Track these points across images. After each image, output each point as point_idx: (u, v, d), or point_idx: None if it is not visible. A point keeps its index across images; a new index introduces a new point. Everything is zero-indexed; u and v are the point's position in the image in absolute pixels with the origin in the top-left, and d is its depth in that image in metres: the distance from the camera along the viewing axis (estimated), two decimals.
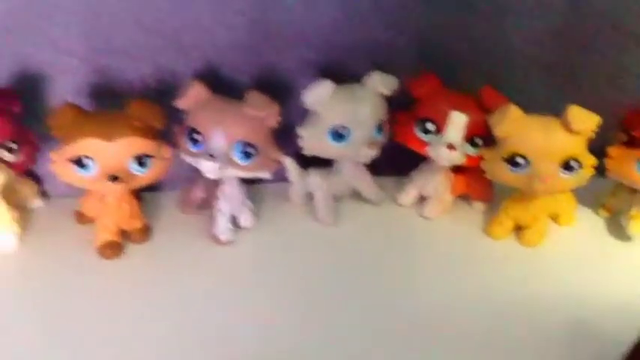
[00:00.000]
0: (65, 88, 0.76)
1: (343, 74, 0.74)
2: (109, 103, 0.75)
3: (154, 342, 0.61)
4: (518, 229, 0.77)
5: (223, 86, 0.74)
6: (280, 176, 0.80)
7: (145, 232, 0.75)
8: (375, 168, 0.80)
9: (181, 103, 0.71)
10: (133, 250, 0.74)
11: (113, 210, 0.72)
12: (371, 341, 0.62)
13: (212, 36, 0.77)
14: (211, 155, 0.68)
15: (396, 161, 0.80)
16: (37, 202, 0.80)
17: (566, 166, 0.69)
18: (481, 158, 0.74)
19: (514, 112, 0.69)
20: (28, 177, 0.79)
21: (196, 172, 0.77)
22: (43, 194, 0.81)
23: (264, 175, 0.72)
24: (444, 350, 0.62)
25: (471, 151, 0.74)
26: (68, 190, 0.77)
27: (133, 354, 0.60)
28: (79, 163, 0.66)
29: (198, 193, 0.79)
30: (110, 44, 0.76)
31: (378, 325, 0.64)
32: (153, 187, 0.77)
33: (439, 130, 0.74)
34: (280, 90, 0.75)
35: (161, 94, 0.75)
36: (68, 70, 0.76)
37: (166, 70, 0.78)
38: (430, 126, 0.74)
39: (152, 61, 0.77)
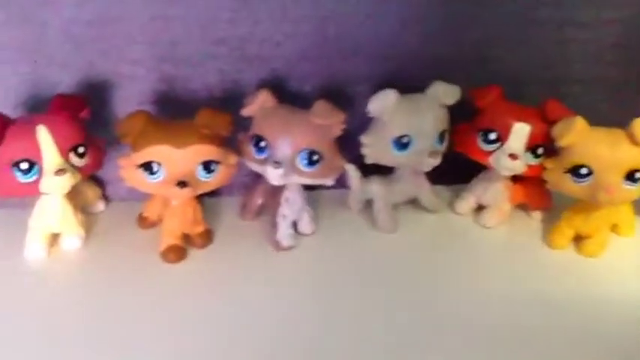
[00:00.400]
0: (131, 96, 0.77)
1: (405, 84, 0.74)
2: (173, 111, 0.76)
3: (213, 345, 0.62)
4: (578, 239, 0.77)
5: (287, 95, 0.75)
6: (338, 183, 0.80)
7: (207, 237, 0.76)
8: (434, 177, 0.80)
9: (248, 111, 0.72)
10: (195, 254, 0.74)
11: (178, 215, 0.73)
12: (428, 350, 0.62)
13: (276, 46, 0.78)
14: (276, 162, 0.69)
15: (454, 170, 0.80)
16: (99, 206, 0.81)
17: (630, 178, 0.69)
18: (542, 168, 0.74)
19: (579, 123, 0.70)
20: (91, 181, 0.80)
21: (255, 179, 0.79)
22: (105, 198, 0.82)
23: (327, 181, 0.73)
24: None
25: (532, 160, 0.75)
26: (128, 195, 0.79)
27: (191, 356, 0.61)
28: (147, 168, 0.67)
29: (258, 200, 0.80)
30: (176, 53, 0.77)
31: (435, 334, 0.64)
32: (211, 193, 0.78)
33: (501, 140, 0.75)
34: (342, 99, 0.76)
35: (225, 103, 0.76)
36: (134, 79, 0.78)
37: (231, 79, 0.79)
38: (492, 136, 0.75)
39: (217, 71, 0.78)
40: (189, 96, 0.79)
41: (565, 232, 0.77)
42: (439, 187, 0.84)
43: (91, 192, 0.79)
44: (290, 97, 0.75)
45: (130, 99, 0.77)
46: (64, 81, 0.76)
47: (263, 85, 0.77)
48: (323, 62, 0.80)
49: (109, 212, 0.81)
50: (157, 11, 0.75)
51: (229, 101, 0.76)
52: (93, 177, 0.80)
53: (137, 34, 0.76)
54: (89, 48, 0.76)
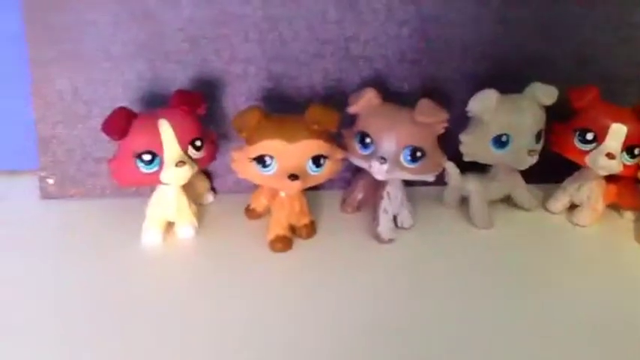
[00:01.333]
0: (240, 93, 0.82)
1: (502, 85, 0.76)
2: (279, 108, 0.80)
3: (317, 330, 0.65)
4: None
5: (387, 94, 0.78)
6: (435, 180, 0.84)
7: (312, 228, 0.80)
8: (527, 176, 0.83)
9: (355, 109, 0.76)
10: (300, 244, 0.79)
11: (286, 206, 0.77)
12: (521, 346, 0.63)
13: (379, 46, 0.81)
14: (382, 158, 0.72)
15: (547, 170, 0.82)
16: (209, 198, 0.86)
17: None
18: (638, 168, 0.76)
19: None
20: (201, 174, 0.85)
21: (354, 174, 0.83)
22: (213, 190, 0.87)
23: (429, 177, 0.76)
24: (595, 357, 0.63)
25: (628, 161, 0.77)
26: (235, 187, 0.84)
27: (296, 339, 0.64)
28: (260, 161, 0.72)
29: (358, 195, 0.83)
30: (284, 52, 0.81)
31: (528, 330, 0.65)
32: (313, 187, 0.82)
33: (598, 140, 0.77)
34: (440, 99, 0.79)
35: (328, 101, 0.80)
36: (244, 77, 0.82)
37: (335, 78, 0.83)
38: (590, 136, 0.77)
39: (322, 70, 0.82)
40: (295, 93, 0.83)
41: None
42: (532, 186, 0.86)
43: (202, 184, 0.84)
44: (390, 95, 0.78)
45: (239, 96, 0.82)
46: (178, 78, 0.81)
47: (365, 84, 0.81)
48: (422, 63, 0.83)
49: (217, 204, 0.86)
50: (268, 12, 0.80)
51: (332, 99, 0.80)
52: (202, 170, 0.85)
53: (249, 34, 0.80)
54: (204, 47, 0.80)
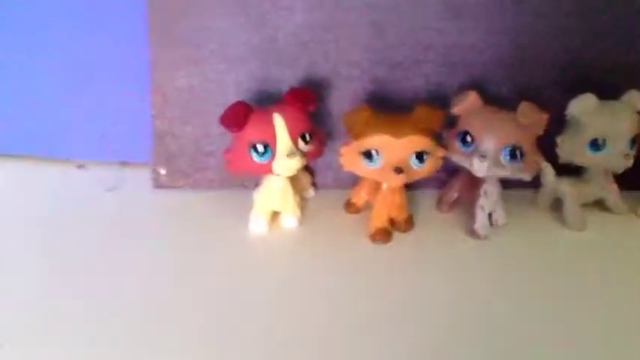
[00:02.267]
0: (346, 95, 0.86)
1: (592, 91, 0.80)
2: (382, 110, 0.84)
3: (414, 321, 0.68)
4: None
5: (484, 98, 0.82)
6: (528, 183, 0.87)
7: (411, 222, 0.84)
8: (620, 181, 0.86)
9: (458, 110, 0.80)
10: (399, 237, 0.82)
11: (387, 200, 0.81)
12: (608, 349, 0.65)
13: (479, 53, 0.86)
14: (482, 156, 0.76)
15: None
16: (310, 192, 0.91)
17: None
18: None
19: None
20: (304, 169, 0.90)
21: (450, 175, 0.86)
22: (314, 186, 0.92)
23: (526, 177, 0.79)
24: None
25: None
26: (335, 183, 0.88)
27: (392, 330, 0.67)
28: (368, 155, 0.76)
29: (454, 194, 0.87)
30: (388, 57, 0.86)
31: (615, 332, 0.67)
32: (409, 186, 0.86)
33: None
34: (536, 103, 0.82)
35: (431, 103, 0.84)
36: (350, 79, 0.87)
37: (435, 82, 0.87)
38: None
39: (423, 75, 0.87)
40: (397, 97, 0.87)
41: None
42: (624, 193, 0.88)
43: (305, 178, 0.89)
44: (487, 99, 0.82)
45: (344, 98, 0.86)
46: (287, 79, 0.87)
47: (463, 88, 0.84)
48: (517, 69, 0.87)
49: (318, 198, 0.91)
50: (375, 18, 0.85)
51: (433, 103, 0.84)
52: (305, 166, 0.89)
53: (356, 38, 0.85)
54: (313, 50, 0.86)
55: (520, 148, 0.76)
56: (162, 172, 0.90)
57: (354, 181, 0.86)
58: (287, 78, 0.86)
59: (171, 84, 0.87)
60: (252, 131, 0.77)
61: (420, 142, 0.76)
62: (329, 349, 0.64)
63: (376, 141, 0.76)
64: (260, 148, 0.77)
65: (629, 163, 0.80)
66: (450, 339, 0.66)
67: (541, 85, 0.88)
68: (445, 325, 0.68)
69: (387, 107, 0.84)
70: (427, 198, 0.90)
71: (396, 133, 0.75)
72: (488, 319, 0.69)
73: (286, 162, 0.77)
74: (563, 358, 0.64)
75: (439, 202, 0.88)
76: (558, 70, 0.88)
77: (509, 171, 0.77)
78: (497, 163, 0.77)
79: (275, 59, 0.87)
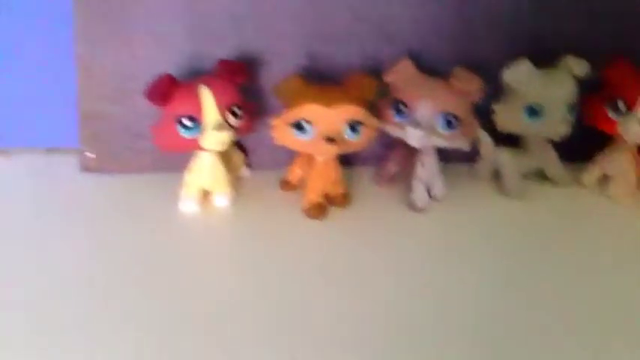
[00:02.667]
0: (279, 70, 0.84)
1: (535, 60, 0.79)
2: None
3: (350, 294, 0.66)
4: None
5: (423, 71, 0.80)
6: (467, 157, 0.85)
7: (347, 198, 0.81)
8: (559, 153, 0.84)
9: (390, 77, 0.78)
10: (335, 213, 0.80)
11: (322, 173, 0.78)
12: (549, 321, 0.63)
13: (415, 24, 0.84)
14: (417, 123, 0.74)
15: (580, 148, 0.84)
16: (244, 172, 0.87)
17: None
18: None
19: None
20: (237, 148, 0.87)
21: (388, 149, 0.84)
22: (248, 166, 0.89)
23: (463, 145, 0.77)
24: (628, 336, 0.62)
25: None
26: (270, 162, 0.86)
27: (331, 306, 0.65)
28: (299, 127, 0.73)
29: (392, 167, 0.85)
30: (322, 31, 0.84)
31: (558, 299, 0.66)
32: (346, 163, 0.84)
33: (630, 109, 0.78)
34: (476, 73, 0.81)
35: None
36: (283, 55, 0.84)
37: (371, 56, 0.85)
38: (621, 105, 0.78)
39: (359, 48, 0.85)
40: (332, 71, 0.84)
41: None
42: (566, 165, 0.86)
43: (237, 157, 0.86)
44: (424, 71, 0.80)
45: (277, 73, 0.83)
46: (219, 56, 0.83)
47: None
48: (457, 41, 0.85)
49: (252, 178, 0.88)
50: None
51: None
52: (238, 145, 0.87)
53: (288, 11, 0.83)
54: (244, 25, 0.83)
55: (455, 115, 0.74)
56: (91, 155, 0.87)
57: (291, 159, 0.83)
58: (218, 54, 0.83)
59: (98, 61, 0.84)
60: (178, 105, 0.74)
61: (352, 111, 0.74)
62: (263, 327, 0.61)
63: (307, 111, 0.73)
64: (186, 122, 0.74)
65: (567, 130, 0.78)
66: (389, 312, 0.64)
67: (483, 56, 0.85)
68: (384, 299, 0.65)
69: (321, 82, 0.81)
70: (365, 174, 0.88)
71: (328, 103, 0.73)
72: (429, 291, 0.67)
73: (215, 136, 0.74)
74: (502, 326, 0.62)
75: (377, 177, 0.86)
76: (503, 41, 0.86)
77: (445, 139, 0.75)
78: (432, 130, 0.75)
79: (206, 35, 0.84)
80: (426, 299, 0.65)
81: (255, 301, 0.65)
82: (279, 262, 0.71)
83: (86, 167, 0.87)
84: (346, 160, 0.84)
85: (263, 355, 0.58)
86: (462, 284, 0.68)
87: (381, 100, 0.79)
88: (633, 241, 0.76)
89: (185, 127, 0.74)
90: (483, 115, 0.80)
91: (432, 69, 0.82)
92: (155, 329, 0.61)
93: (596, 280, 0.69)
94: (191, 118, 0.74)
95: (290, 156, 0.83)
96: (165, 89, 0.74)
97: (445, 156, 0.83)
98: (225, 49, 0.84)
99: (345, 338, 0.60)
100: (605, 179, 0.85)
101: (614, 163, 0.83)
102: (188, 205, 0.80)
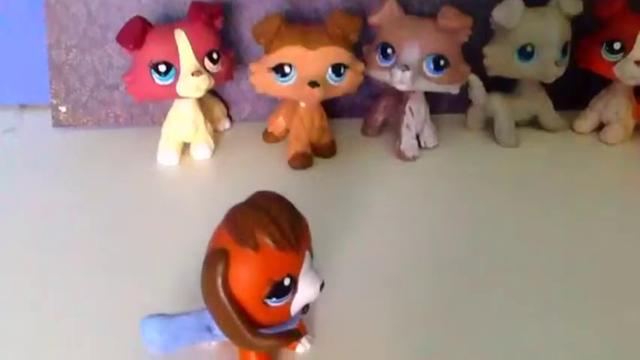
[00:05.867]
0: (257, 15, 0.79)
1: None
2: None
3: (338, 249, 0.62)
4: None
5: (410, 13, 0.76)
6: (458, 106, 0.82)
7: (333, 147, 0.78)
8: (555, 100, 0.81)
9: (375, 19, 0.74)
10: (321, 163, 0.76)
11: (305, 120, 0.75)
12: (537, 273, 0.60)
13: None
14: (404, 65, 0.70)
15: (575, 94, 0.81)
16: (225, 124, 0.83)
17: None
18: None
19: None
20: (218, 99, 0.83)
21: (376, 99, 0.80)
22: (229, 119, 0.85)
23: (453, 89, 0.74)
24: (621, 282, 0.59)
25: None
26: (252, 115, 0.82)
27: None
28: (279, 71, 0.70)
29: (380, 116, 0.81)
30: None
31: (552, 245, 0.63)
32: (333, 114, 0.80)
33: (626, 49, 0.74)
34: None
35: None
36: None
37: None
38: (617, 45, 0.75)
39: None
40: (314, 15, 0.80)
41: None
42: (560, 112, 0.83)
43: (218, 108, 0.82)
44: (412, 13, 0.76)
45: (255, 19, 0.79)
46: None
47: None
48: None
49: (234, 130, 0.84)
50: None
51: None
52: (219, 96, 0.83)
53: None
54: None
55: (444, 57, 0.71)
56: (62, 109, 0.82)
57: (273, 111, 0.80)
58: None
59: (67, 10, 0.79)
60: (151, 49, 0.71)
61: (336, 53, 0.70)
62: None
63: (288, 53, 0.70)
64: (162, 67, 0.70)
65: (561, 71, 0.75)
66: (378, 264, 0.60)
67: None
68: (371, 250, 0.62)
69: None
70: (353, 126, 0.84)
71: (310, 44, 0.69)
72: (418, 242, 0.63)
73: (192, 81, 0.70)
74: (497, 275, 0.59)
75: (364, 126, 0.82)
76: None
77: (434, 82, 0.72)
78: (420, 73, 0.71)
79: None
80: (415, 250, 0.62)
81: None
82: None
83: (59, 122, 0.82)
84: (333, 112, 0.80)
85: None
86: (454, 235, 0.65)
87: (367, 46, 0.75)
88: (629, 188, 0.74)
89: (160, 73, 0.70)
90: (474, 60, 0.76)
91: (418, 10, 0.78)
92: (131, 283, 0.57)
93: (591, 227, 0.66)
94: (166, 64, 0.70)
95: (271, 108, 0.80)
96: (138, 33, 0.70)
97: (436, 105, 0.79)
98: None
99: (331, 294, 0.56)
100: (601, 125, 0.81)
101: (610, 107, 0.80)
102: (167, 157, 0.76)
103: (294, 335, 0.46)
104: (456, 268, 0.59)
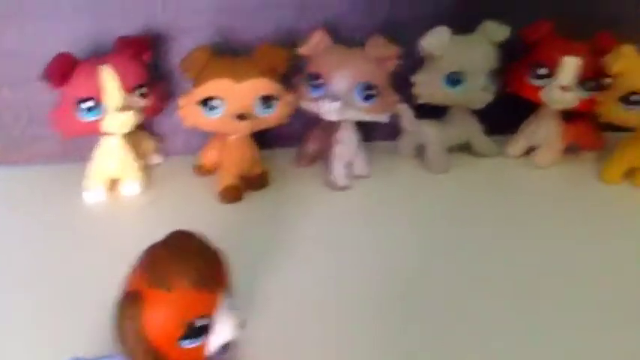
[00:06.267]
0: (187, 48, 0.78)
1: (453, 26, 0.76)
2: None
3: (271, 277, 0.62)
4: (632, 172, 0.77)
5: (340, 43, 0.76)
6: (390, 134, 0.82)
7: (265, 178, 0.77)
8: (485, 126, 0.82)
9: (304, 50, 0.74)
10: (253, 196, 0.76)
11: (234, 152, 0.74)
12: (475, 291, 0.60)
13: None
14: (333, 96, 0.70)
15: (505, 120, 0.82)
16: (156, 158, 0.82)
17: None
18: (595, 101, 0.75)
19: (629, 50, 0.71)
20: (148, 133, 0.82)
21: (309, 128, 0.80)
22: (161, 152, 0.83)
23: (382, 118, 0.74)
24: (556, 300, 0.59)
25: (584, 94, 0.76)
26: (184, 148, 0.81)
27: (246, 294, 0.60)
28: (207, 104, 0.69)
29: (312, 146, 0.81)
30: (234, 4, 0.79)
31: (487, 275, 0.63)
32: (265, 145, 0.80)
33: (552, 75, 0.75)
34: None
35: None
36: (192, 29, 0.79)
37: (285, 29, 0.81)
38: (543, 71, 0.76)
39: (273, 21, 0.80)
40: (244, 46, 0.80)
41: (618, 165, 0.77)
42: (490, 137, 0.84)
43: (147, 142, 0.81)
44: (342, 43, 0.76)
45: (185, 51, 0.78)
46: (126, 32, 0.78)
47: None
48: (374, 10, 0.81)
49: (166, 164, 0.83)
50: None
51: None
52: (150, 131, 0.82)
53: None
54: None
55: (373, 86, 0.71)
56: None
57: (205, 143, 0.79)
58: (123, 31, 0.78)
59: None
60: (77, 85, 0.70)
61: (263, 85, 0.70)
62: None
63: (215, 86, 0.69)
64: (87, 104, 0.69)
65: (489, 97, 0.76)
66: (311, 296, 0.59)
67: (403, 25, 0.81)
68: (307, 281, 0.61)
69: None
70: (285, 156, 0.84)
71: (237, 77, 0.69)
72: (351, 272, 0.63)
73: (118, 118, 0.69)
74: (429, 298, 0.59)
75: (297, 157, 0.82)
76: (424, 6, 0.82)
77: (363, 112, 0.72)
78: (350, 103, 0.71)
79: (109, 11, 0.78)
80: (347, 281, 0.61)
81: None
82: None
83: None
84: (265, 142, 0.80)
85: None
86: (387, 262, 0.64)
87: (297, 77, 0.75)
88: (560, 208, 0.74)
89: (86, 109, 0.69)
90: (403, 88, 0.76)
91: (348, 40, 0.78)
92: (53, 324, 0.56)
93: (525, 247, 0.67)
94: (91, 100, 0.69)
95: (206, 140, 0.79)
96: (64, 69, 0.69)
97: (368, 133, 0.79)
98: (130, 25, 0.78)
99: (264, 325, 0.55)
100: (532, 148, 0.82)
101: (539, 131, 0.81)
102: (93, 194, 0.74)
103: None
104: (388, 296, 0.59)
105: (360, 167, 0.78)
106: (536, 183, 0.80)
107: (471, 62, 0.75)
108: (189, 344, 0.42)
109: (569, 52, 0.74)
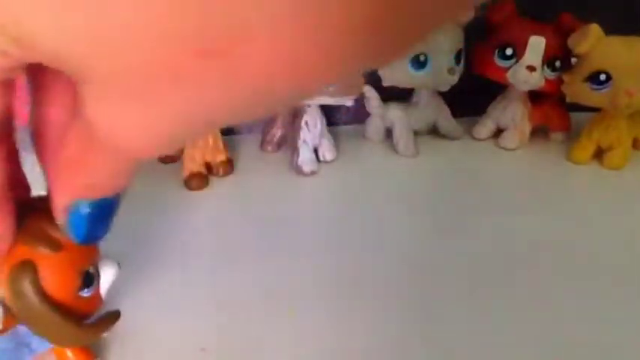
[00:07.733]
0: None
1: None
2: None
3: (235, 268, 0.60)
4: (600, 153, 0.77)
5: None
6: (356, 118, 0.81)
7: (229, 165, 0.76)
8: (453, 108, 0.82)
9: None
10: (217, 182, 0.74)
11: (199, 141, 0.72)
12: (447, 278, 0.59)
13: None
14: None
15: (471, 102, 0.81)
16: None
17: None
18: (561, 82, 0.74)
19: (595, 30, 0.70)
20: None
21: (273, 113, 0.79)
22: None
23: (347, 101, 0.72)
24: (529, 282, 0.58)
25: (550, 75, 0.75)
26: None
27: (215, 278, 0.59)
28: None
29: (277, 131, 0.80)
30: None
31: (459, 257, 0.62)
32: (230, 131, 0.79)
33: (518, 56, 0.75)
34: None
35: None
36: None
37: None
38: (509, 51, 0.75)
39: None
40: None
41: (586, 145, 0.77)
42: (458, 120, 0.84)
43: None
44: None
45: None
46: None
47: None
48: None
49: None
50: None
51: None
52: None
53: None
54: None
55: None
56: None
57: None
58: None
59: None
60: None
61: None
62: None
63: None
64: None
65: (454, 79, 0.75)
66: (282, 285, 0.58)
67: None
68: (274, 270, 0.59)
69: None
70: (251, 142, 0.82)
71: None
72: (321, 257, 0.61)
73: None
74: (399, 285, 0.58)
75: (263, 142, 0.81)
76: None
77: (327, 95, 0.71)
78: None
79: None
80: (315, 265, 0.60)
81: (141, 275, 0.58)
82: (159, 237, 0.65)
83: None
84: (230, 128, 0.78)
85: None
86: (355, 248, 0.63)
87: None
88: (527, 190, 0.74)
89: None
90: (369, 71, 0.75)
91: None
92: None
93: (494, 228, 0.66)
94: None
95: None
96: None
97: (334, 117, 0.78)
98: None
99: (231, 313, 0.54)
100: (499, 130, 0.82)
101: (506, 113, 0.80)
102: None
103: (114, 316, 0.45)
104: (355, 281, 0.58)
105: (326, 151, 0.77)
106: (505, 165, 0.79)
107: (435, 44, 0.74)
108: (87, 293, 0.42)
109: (534, 33, 0.74)
